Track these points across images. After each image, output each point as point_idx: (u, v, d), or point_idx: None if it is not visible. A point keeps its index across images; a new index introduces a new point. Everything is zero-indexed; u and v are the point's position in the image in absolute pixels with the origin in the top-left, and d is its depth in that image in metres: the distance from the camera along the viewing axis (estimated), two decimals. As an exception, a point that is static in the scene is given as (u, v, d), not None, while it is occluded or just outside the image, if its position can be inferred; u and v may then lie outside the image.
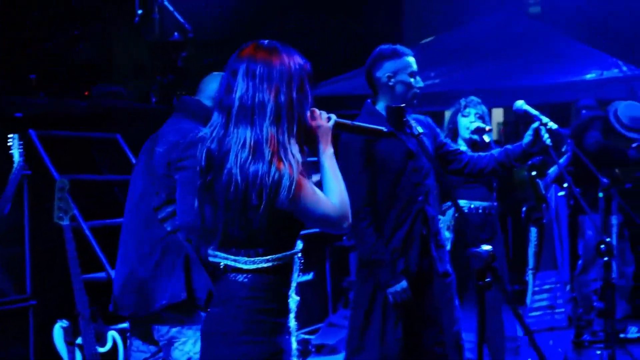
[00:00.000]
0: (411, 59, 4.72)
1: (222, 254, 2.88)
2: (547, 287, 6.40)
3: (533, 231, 6.21)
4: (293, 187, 2.75)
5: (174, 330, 3.95)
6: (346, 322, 7.65)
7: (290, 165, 2.76)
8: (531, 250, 6.23)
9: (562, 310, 6.43)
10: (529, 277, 6.54)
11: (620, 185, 7.61)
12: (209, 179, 2.85)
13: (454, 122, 5.99)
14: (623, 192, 7.61)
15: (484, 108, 5.88)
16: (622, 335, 7.48)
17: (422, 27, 13.17)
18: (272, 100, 2.79)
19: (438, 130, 4.96)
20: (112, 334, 5.22)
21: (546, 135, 4.75)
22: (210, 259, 2.92)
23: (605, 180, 6.56)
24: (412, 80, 4.65)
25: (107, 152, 6.86)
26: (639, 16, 12.98)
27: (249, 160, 2.76)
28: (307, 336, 7.67)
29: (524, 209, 5.91)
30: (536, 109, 9.59)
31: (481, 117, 5.85)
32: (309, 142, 2.93)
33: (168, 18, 8.37)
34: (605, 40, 12.12)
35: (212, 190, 2.85)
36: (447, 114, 11.50)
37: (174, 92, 7.97)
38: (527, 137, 4.69)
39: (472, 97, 5.97)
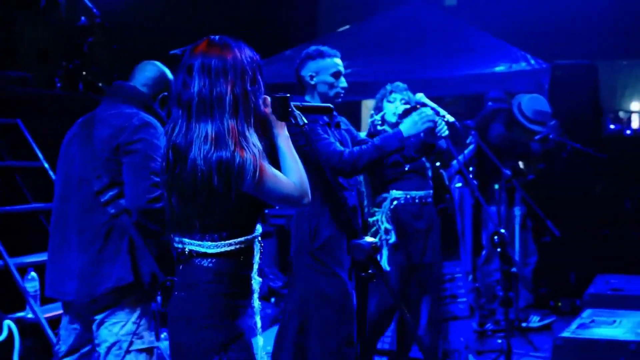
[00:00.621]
0: (336, 60, 4.89)
1: (187, 240, 3.03)
2: (449, 276, 6.45)
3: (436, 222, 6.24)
4: (257, 172, 2.92)
5: (114, 320, 3.94)
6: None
7: (252, 152, 2.93)
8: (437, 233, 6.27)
9: (465, 300, 6.49)
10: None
11: (523, 178, 7.74)
12: (176, 171, 2.98)
13: (379, 108, 5.95)
14: (526, 184, 7.76)
15: (409, 94, 5.86)
16: (524, 324, 7.63)
17: (338, 16, 13.20)
18: (229, 93, 2.94)
19: (353, 128, 5.19)
20: (7, 323, 5.12)
21: (443, 128, 4.82)
22: (175, 245, 3.07)
23: (507, 172, 6.69)
24: (333, 80, 4.82)
25: (8, 137, 6.72)
26: (551, 11, 13.21)
27: (211, 151, 2.90)
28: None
29: (431, 192, 5.96)
30: (447, 100, 9.74)
31: (407, 103, 5.84)
32: (264, 128, 3.09)
33: (76, 2, 8.23)
34: (518, 34, 12.30)
35: (179, 181, 2.98)
36: (366, 104, 11.55)
37: (79, 77, 7.83)
38: None
39: (398, 83, 5.94)
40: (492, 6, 13.55)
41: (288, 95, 3.10)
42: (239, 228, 3.04)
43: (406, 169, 5.71)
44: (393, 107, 5.84)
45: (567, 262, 8.72)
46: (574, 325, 5.90)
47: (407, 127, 4.78)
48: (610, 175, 10.51)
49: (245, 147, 2.94)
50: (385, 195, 5.75)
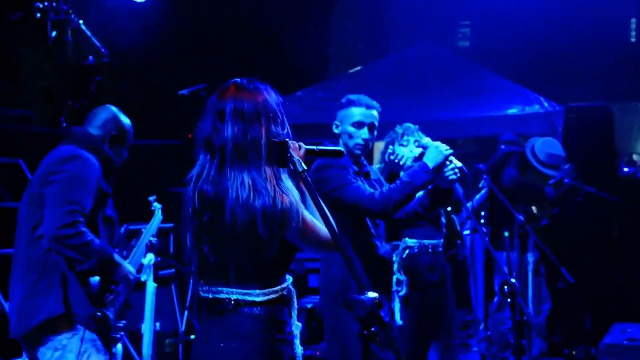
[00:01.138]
0: (357, 110, 4.71)
1: (227, 289, 2.97)
2: (461, 325, 6.28)
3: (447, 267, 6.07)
4: (300, 218, 2.93)
5: (56, 354, 4.05)
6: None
7: (293, 197, 2.94)
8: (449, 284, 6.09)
9: (476, 349, 6.31)
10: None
11: (537, 223, 7.57)
12: (205, 219, 2.93)
13: (392, 153, 5.69)
14: (540, 229, 7.58)
15: (421, 135, 5.62)
16: (537, 373, 7.43)
17: (350, 57, 13.14)
18: (264, 137, 2.93)
19: (382, 178, 5.03)
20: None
21: (450, 173, 4.65)
22: (211, 295, 3.00)
23: (520, 217, 6.51)
24: (353, 130, 4.67)
25: (10, 178, 6.63)
26: (565, 53, 13.15)
27: (251, 198, 2.88)
28: None
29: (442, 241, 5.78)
30: (459, 142, 9.64)
31: (420, 146, 5.58)
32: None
33: (84, 41, 8.17)
34: (531, 76, 12.23)
35: (211, 229, 2.93)
36: (378, 146, 11.47)
37: (85, 117, 7.74)
38: None
39: (409, 125, 5.65)
40: (506, 48, 13.50)
41: (287, 140, 2.97)
42: (281, 274, 3.05)
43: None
44: (407, 150, 5.56)
45: (582, 309, 8.51)
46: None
47: (430, 158, 4.56)
48: (625, 219, 10.34)
49: (285, 192, 2.93)
50: (396, 242, 5.55)
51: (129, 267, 4.31)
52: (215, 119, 2.96)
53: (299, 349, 3.10)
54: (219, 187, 2.92)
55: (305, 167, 2.95)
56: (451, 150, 4.62)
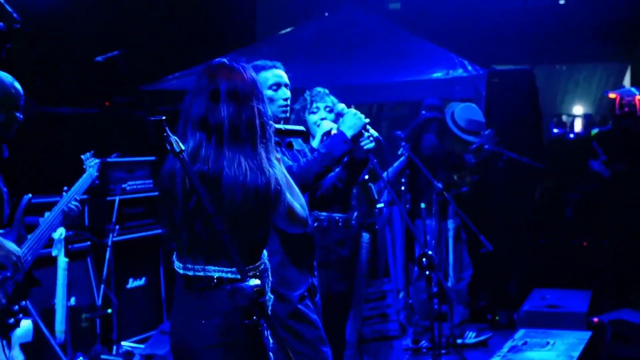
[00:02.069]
0: (268, 73, 4.44)
1: (214, 267, 3.01)
2: (379, 294, 6.21)
3: (365, 237, 5.97)
4: (287, 200, 3.07)
5: None
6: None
7: (283, 179, 3.08)
8: (363, 257, 6.00)
9: (395, 319, 6.26)
10: (362, 285, 6.34)
11: (457, 189, 7.53)
12: (196, 198, 2.95)
13: (301, 121, 5.28)
14: (461, 196, 7.56)
15: (333, 99, 5.35)
16: (459, 341, 7.42)
17: (277, 20, 12.97)
18: (257, 118, 3.04)
19: (307, 150, 4.71)
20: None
21: (366, 142, 4.52)
22: (192, 273, 3.04)
23: (439, 185, 6.46)
24: (271, 93, 4.37)
25: None
26: (495, 16, 13.16)
27: (248, 178, 2.97)
28: (136, 345, 7.31)
29: (355, 214, 5.63)
30: (389, 105, 9.51)
31: (331, 110, 5.34)
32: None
33: (-7, 7, 7.87)
34: (460, 39, 12.23)
35: (203, 208, 2.89)
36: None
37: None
38: None
39: (319, 89, 5.33)
40: (436, 10, 13.47)
41: (163, 118, 2.84)
42: (260, 252, 3.12)
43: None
44: (317, 117, 5.35)
45: (505, 274, 8.54)
46: (505, 348, 5.72)
47: (347, 126, 4.39)
48: (548, 182, 10.42)
49: (277, 175, 3.04)
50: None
51: (11, 246, 4.07)
52: (209, 99, 3.02)
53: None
54: (215, 166, 2.99)
55: (183, 147, 2.89)
56: (367, 119, 4.48)
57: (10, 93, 4.18)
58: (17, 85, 4.25)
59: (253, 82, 3.11)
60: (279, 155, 3.36)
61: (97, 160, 5.00)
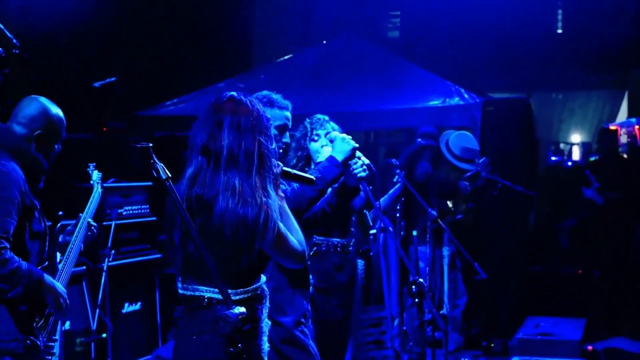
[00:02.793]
0: (285, 113, 4.54)
1: (205, 288, 3.14)
2: (374, 321, 6.22)
3: (360, 264, 5.99)
4: (277, 230, 3.13)
5: None
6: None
7: (274, 210, 3.14)
8: (358, 284, 6.01)
9: (389, 346, 6.27)
10: (357, 311, 6.36)
11: (452, 217, 7.56)
12: (197, 221, 3.09)
13: (302, 149, 5.33)
14: (455, 224, 7.58)
15: (333, 125, 5.38)
16: (454, 368, 7.43)
17: (274, 48, 13.03)
18: (256, 149, 3.16)
19: None
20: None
21: (359, 170, 4.57)
22: (188, 292, 3.19)
23: (433, 212, 6.48)
24: (277, 133, 4.40)
25: None
26: (493, 45, 13.25)
27: (239, 205, 3.07)
28: (131, 370, 7.32)
29: (353, 240, 5.65)
30: (387, 132, 9.46)
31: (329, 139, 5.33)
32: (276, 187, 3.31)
33: (-8, 32, 7.92)
34: (459, 67, 12.30)
35: (199, 230, 3.05)
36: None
37: (-8, 110, 7.51)
38: None
39: (319, 116, 5.33)
40: (435, 39, 13.56)
41: (150, 145, 2.88)
42: (254, 276, 3.22)
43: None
44: (318, 145, 5.37)
45: (499, 302, 8.54)
46: (499, 375, 5.72)
47: (337, 151, 4.48)
48: (546, 207, 10.45)
49: (269, 205, 3.12)
50: None
51: (60, 288, 4.02)
52: (213, 128, 3.16)
53: (265, 345, 3.27)
54: (211, 190, 3.12)
55: (170, 175, 2.95)
56: (356, 144, 4.54)
57: (58, 127, 4.12)
58: (61, 115, 4.17)
59: (258, 116, 3.23)
60: (284, 187, 3.47)
61: (99, 174, 4.98)
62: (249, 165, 3.15)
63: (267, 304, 3.30)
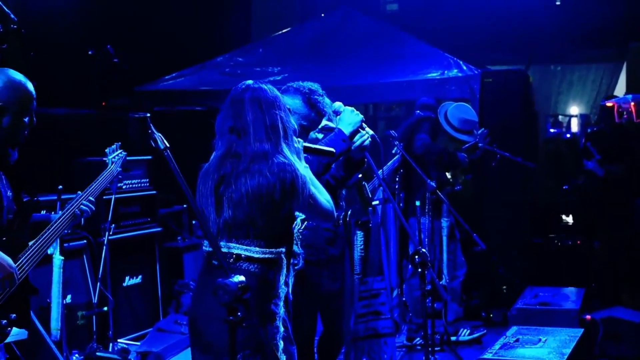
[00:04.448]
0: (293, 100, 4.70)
1: (234, 244, 3.46)
2: (373, 292, 6.24)
3: (359, 235, 6.01)
4: (305, 184, 3.47)
5: None
6: (176, 327, 7.46)
7: (305, 172, 3.53)
8: (357, 255, 6.04)
9: (388, 316, 6.29)
10: (355, 283, 6.38)
11: (451, 188, 7.57)
12: (229, 183, 3.46)
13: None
14: (454, 195, 7.60)
15: (327, 100, 5.40)
16: (453, 338, 7.46)
17: (272, 22, 12.98)
18: (279, 122, 3.52)
19: None
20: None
21: (363, 140, 4.58)
22: (209, 248, 3.53)
23: (432, 184, 6.49)
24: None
25: None
26: (492, 16, 13.19)
27: (275, 166, 3.42)
28: (132, 343, 7.36)
29: (349, 212, 5.66)
30: (387, 106, 9.40)
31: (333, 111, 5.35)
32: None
33: (-11, 7, 7.89)
34: (458, 39, 12.27)
35: (234, 190, 3.44)
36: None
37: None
38: None
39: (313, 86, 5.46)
40: (434, 11, 13.50)
41: (148, 115, 2.90)
42: (279, 239, 3.53)
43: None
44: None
45: (499, 272, 8.57)
46: (497, 345, 5.75)
47: (345, 123, 4.53)
48: (543, 181, 10.47)
49: (297, 169, 3.46)
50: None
51: (5, 260, 3.89)
52: (236, 110, 3.53)
53: (280, 310, 3.55)
54: (246, 156, 3.46)
55: (168, 145, 3.01)
56: (362, 116, 4.57)
57: (19, 95, 4.06)
58: (30, 87, 4.12)
59: (275, 97, 3.60)
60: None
61: (122, 154, 4.85)
62: (276, 136, 3.49)
63: (284, 271, 3.57)
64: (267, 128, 3.50)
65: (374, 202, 6.30)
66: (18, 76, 4.12)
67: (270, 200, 3.41)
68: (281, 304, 3.56)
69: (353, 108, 4.59)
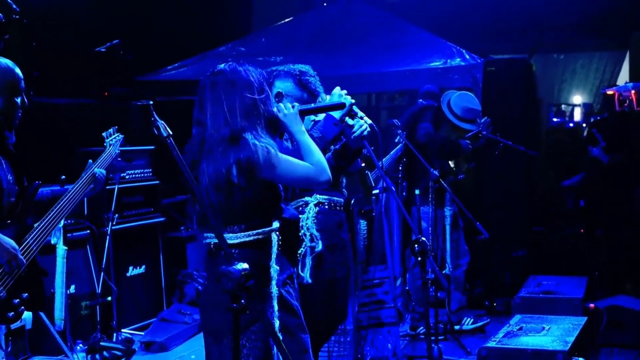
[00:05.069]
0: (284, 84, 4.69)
1: (211, 234, 3.47)
2: (376, 281, 6.25)
3: (362, 224, 6.02)
4: (267, 157, 3.42)
5: None
6: (180, 317, 7.48)
7: (262, 145, 3.44)
8: (360, 244, 6.05)
9: (392, 305, 6.29)
10: (359, 272, 6.38)
11: (454, 177, 7.56)
12: (198, 174, 3.46)
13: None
14: (457, 183, 7.59)
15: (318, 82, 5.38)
16: (457, 327, 7.46)
17: (274, 12, 12.96)
18: (237, 101, 3.47)
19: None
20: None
21: (361, 130, 4.56)
22: (204, 241, 3.55)
23: (434, 172, 6.48)
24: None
25: None
26: (495, 5, 13.16)
27: (227, 149, 3.41)
28: (136, 332, 7.37)
29: (352, 201, 5.66)
30: (390, 95, 9.38)
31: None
32: (281, 130, 3.73)
33: (-9, -3, 7.88)
34: (461, 28, 12.24)
35: (201, 183, 3.45)
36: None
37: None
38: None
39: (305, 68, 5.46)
40: (434, 1, 13.46)
41: (151, 103, 2.90)
42: (257, 220, 3.50)
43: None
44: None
45: (502, 261, 8.58)
46: (500, 334, 5.74)
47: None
48: (550, 168, 10.46)
49: (256, 140, 3.43)
50: (307, 199, 5.34)
51: (7, 242, 3.99)
52: (199, 97, 3.56)
53: (274, 289, 3.54)
54: (206, 144, 3.49)
55: (171, 132, 3.00)
56: (353, 100, 4.51)
57: (8, 78, 4.16)
58: (17, 70, 4.23)
59: (238, 74, 3.54)
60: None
61: (119, 136, 4.91)
62: (233, 116, 3.46)
63: (276, 250, 3.56)
64: (225, 110, 3.49)
65: (375, 191, 6.29)
66: (3, 60, 4.21)
67: (229, 183, 3.41)
68: (274, 283, 3.56)
69: (341, 92, 4.53)
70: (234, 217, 3.46)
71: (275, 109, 3.67)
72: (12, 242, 4.00)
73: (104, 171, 4.59)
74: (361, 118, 4.61)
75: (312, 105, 3.79)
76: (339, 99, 4.41)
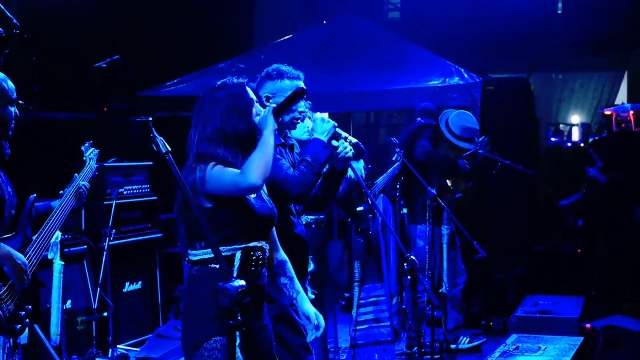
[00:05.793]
0: (290, 83, 4.58)
1: (185, 252, 3.48)
2: (372, 299, 6.25)
3: (359, 242, 6.03)
4: (201, 175, 3.34)
5: None
6: (176, 333, 7.45)
7: (208, 161, 3.36)
8: (357, 262, 6.06)
9: (388, 324, 6.30)
10: (355, 290, 6.39)
11: (451, 195, 7.57)
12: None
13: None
14: (454, 202, 7.60)
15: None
16: (453, 346, 7.44)
17: (275, 26, 13.02)
18: (200, 122, 3.44)
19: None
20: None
21: (346, 151, 4.55)
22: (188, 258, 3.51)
23: (432, 191, 6.49)
24: None
25: None
26: (493, 25, 13.23)
27: (190, 169, 3.39)
28: (132, 348, 7.35)
29: (349, 219, 5.69)
30: (389, 113, 9.38)
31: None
32: (259, 133, 3.50)
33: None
34: (459, 47, 12.29)
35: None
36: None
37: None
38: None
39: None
40: (436, 19, 13.53)
41: (150, 119, 2.92)
42: (218, 237, 3.33)
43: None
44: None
45: (499, 280, 8.58)
46: (497, 353, 5.75)
47: (319, 132, 4.46)
48: (545, 189, 10.47)
49: (206, 159, 3.37)
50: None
51: (18, 257, 4.01)
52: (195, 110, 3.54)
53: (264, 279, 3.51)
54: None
55: (169, 149, 3.02)
56: (335, 123, 4.52)
57: (1, 88, 4.18)
58: (9, 81, 4.25)
59: (210, 96, 3.50)
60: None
61: (96, 151, 5.04)
62: (201, 137, 3.45)
63: (237, 263, 3.40)
64: (197, 132, 3.50)
65: (359, 208, 6.31)
66: None
67: (188, 205, 3.27)
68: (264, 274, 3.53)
69: (323, 116, 4.54)
70: (194, 235, 3.42)
71: (256, 118, 3.56)
72: (23, 258, 4.04)
73: (87, 184, 4.70)
74: (345, 139, 4.60)
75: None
76: (322, 124, 4.45)
